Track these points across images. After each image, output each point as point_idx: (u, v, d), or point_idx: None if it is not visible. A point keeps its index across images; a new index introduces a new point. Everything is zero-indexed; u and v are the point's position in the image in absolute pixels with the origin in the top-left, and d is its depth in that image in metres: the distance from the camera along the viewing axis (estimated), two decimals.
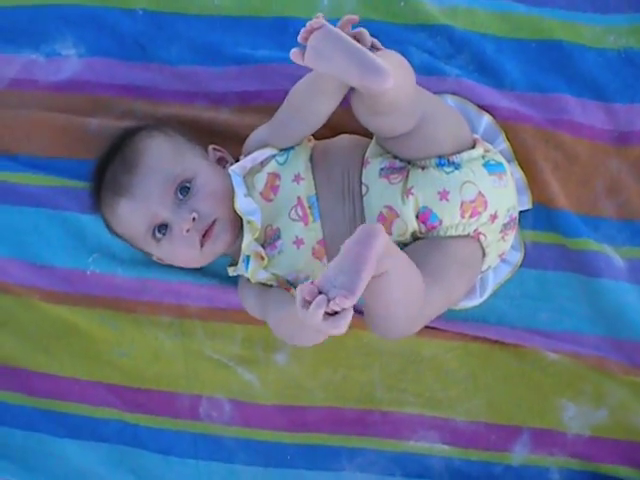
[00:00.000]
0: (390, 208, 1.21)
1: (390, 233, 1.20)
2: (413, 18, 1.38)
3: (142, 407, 1.38)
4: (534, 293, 1.33)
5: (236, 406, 1.37)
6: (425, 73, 1.35)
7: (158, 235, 1.23)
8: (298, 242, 1.23)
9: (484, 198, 1.21)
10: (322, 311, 0.90)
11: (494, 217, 1.23)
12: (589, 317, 1.33)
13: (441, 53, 1.37)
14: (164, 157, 1.24)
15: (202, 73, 1.40)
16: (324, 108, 1.22)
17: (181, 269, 1.34)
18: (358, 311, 1.33)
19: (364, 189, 1.22)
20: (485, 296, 1.32)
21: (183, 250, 1.23)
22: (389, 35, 1.34)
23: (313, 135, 1.30)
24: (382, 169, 1.22)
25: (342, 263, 0.94)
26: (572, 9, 1.38)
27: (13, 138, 1.42)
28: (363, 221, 1.22)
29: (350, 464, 1.35)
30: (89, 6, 1.44)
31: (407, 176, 1.22)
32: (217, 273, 1.35)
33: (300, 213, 1.23)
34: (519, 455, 1.33)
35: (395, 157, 1.24)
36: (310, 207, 1.23)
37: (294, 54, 1.07)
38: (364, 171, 1.23)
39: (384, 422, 1.34)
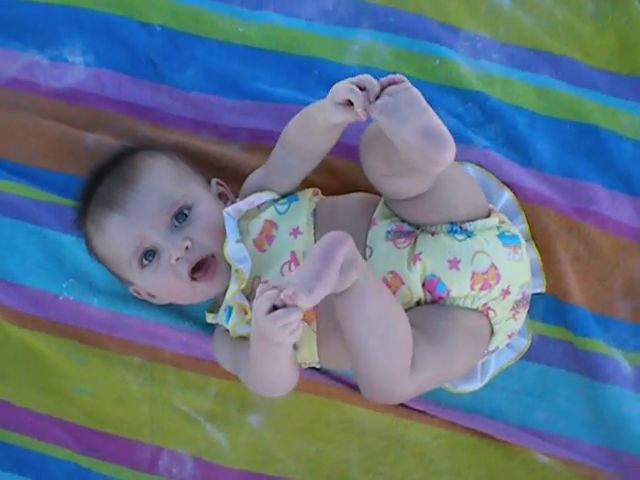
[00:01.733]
0: (395, 274, 1.12)
1: None
2: (446, 79, 1.31)
3: (98, 452, 1.28)
4: (534, 389, 1.25)
5: (199, 465, 1.27)
6: None
7: (144, 261, 1.14)
8: None
9: (497, 270, 1.13)
10: (269, 303, 0.93)
11: (506, 292, 1.15)
12: (588, 423, 1.25)
13: (471, 120, 1.30)
14: (165, 178, 1.16)
15: (214, 103, 1.32)
16: (320, 148, 1.15)
17: (160, 309, 1.25)
18: (343, 382, 1.26)
19: (368, 252, 1.14)
20: (485, 381, 1.24)
21: (170, 281, 1.13)
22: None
23: (321, 189, 1.23)
24: (389, 232, 1.14)
25: (304, 267, 0.96)
26: (614, 95, 1.32)
27: (1, 141, 1.32)
28: None
29: None
30: (105, 13, 1.36)
31: (415, 241, 1.14)
32: (198, 319, 1.26)
33: (293, 269, 1.13)
34: None
35: (404, 220, 1.16)
36: None
37: (357, 99, 0.99)
38: (369, 232, 1.15)
39: None
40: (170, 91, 1.33)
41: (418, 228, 1.16)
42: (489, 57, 1.34)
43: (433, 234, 1.14)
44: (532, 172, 1.28)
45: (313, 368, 1.23)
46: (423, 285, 1.12)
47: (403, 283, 1.12)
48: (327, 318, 1.13)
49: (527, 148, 1.29)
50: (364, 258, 1.13)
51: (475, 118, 1.31)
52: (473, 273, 1.12)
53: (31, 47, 1.35)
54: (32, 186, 1.30)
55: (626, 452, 1.23)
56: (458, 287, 1.12)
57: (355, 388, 1.24)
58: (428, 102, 1.28)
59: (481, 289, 1.13)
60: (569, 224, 1.25)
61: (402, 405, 1.24)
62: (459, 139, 1.25)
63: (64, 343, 1.28)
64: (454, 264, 1.12)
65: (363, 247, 1.15)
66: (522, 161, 1.28)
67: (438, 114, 1.26)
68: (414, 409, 1.24)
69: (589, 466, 1.23)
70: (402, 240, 1.13)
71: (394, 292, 1.12)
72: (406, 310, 1.12)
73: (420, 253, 1.12)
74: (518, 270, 1.17)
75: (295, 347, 1.15)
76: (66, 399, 1.28)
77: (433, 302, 1.14)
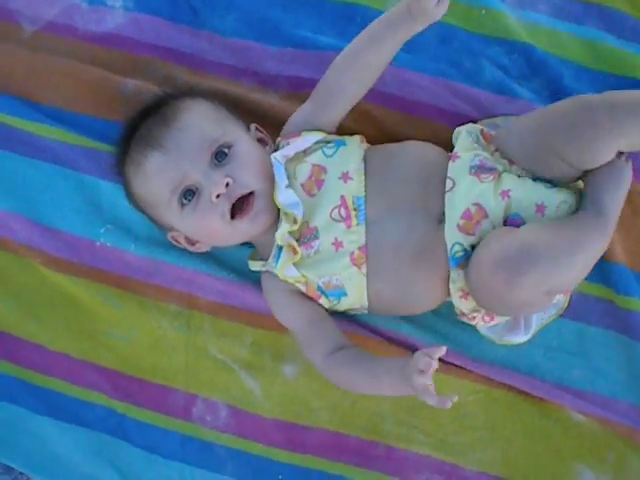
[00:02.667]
0: (479, 206, 1.10)
1: (473, 234, 1.10)
2: (492, 29, 1.28)
3: (132, 397, 1.27)
4: (571, 347, 1.24)
5: (233, 413, 1.26)
6: (495, 91, 1.26)
7: (184, 201, 1.13)
8: (337, 244, 1.13)
9: None
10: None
11: None
12: (625, 382, 1.24)
13: (516, 72, 1.28)
14: (205, 118, 1.15)
15: (255, 50, 1.30)
16: (382, 61, 1.14)
17: (198, 256, 1.24)
18: (382, 335, 1.25)
19: (449, 183, 1.11)
20: (530, 334, 1.22)
21: (211, 220, 1.12)
22: (464, 43, 1.25)
23: (368, 140, 1.21)
24: (472, 167, 1.11)
25: None
26: None
27: (38, 85, 1.31)
28: (430, 223, 1.12)
29: None
30: None
31: (499, 178, 1.11)
32: (236, 268, 1.25)
33: (343, 214, 1.13)
34: None
35: (486, 157, 1.13)
36: (356, 209, 1.13)
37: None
38: (451, 164, 1.12)
39: (388, 458, 1.24)
40: (210, 37, 1.31)
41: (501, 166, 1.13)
42: (536, 8, 1.32)
43: (519, 176, 1.12)
44: None
45: (352, 319, 1.24)
46: (505, 222, 1.11)
47: (487, 216, 1.10)
48: (377, 261, 1.13)
49: None
50: (443, 190, 1.12)
51: (521, 70, 1.28)
52: None
53: None
54: (70, 131, 1.29)
55: None
56: None
57: (392, 341, 1.24)
58: (474, 52, 1.27)
59: None
60: None
61: (439, 360, 1.23)
62: (504, 91, 1.27)
63: (100, 288, 1.27)
64: (540, 209, 1.10)
65: (438, 191, 1.12)
66: None
67: (482, 65, 1.27)
68: (451, 364, 1.23)
69: (625, 425, 1.22)
70: (486, 175, 1.11)
71: (475, 224, 1.10)
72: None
73: (509, 190, 1.10)
74: None
75: (345, 292, 1.15)
76: (101, 344, 1.28)
77: None
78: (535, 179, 1.12)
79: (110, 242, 1.27)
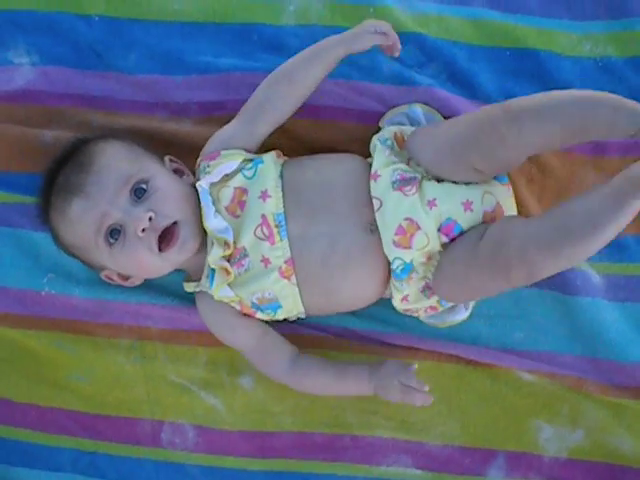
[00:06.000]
0: (410, 220, 1.15)
1: (409, 247, 1.15)
2: None
3: (101, 434, 1.31)
4: (510, 312, 1.29)
5: (200, 432, 1.31)
6: (396, 83, 1.31)
7: (111, 240, 1.16)
8: (265, 261, 1.17)
9: (501, 208, 1.18)
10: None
11: None
12: (566, 336, 1.29)
13: (412, 62, 1.33)
14: (119, 158, 1.19)
15: (162, 82, 1.34)
16: (315, 81, 1.22)
17: (139, 289, 1.28)
18: (327, 331, 1.30)
19: (376, 203, 1.16)
20: (469, 310, 1.28)
21: (140, 254, 1.16)
22: None
23: (283, 151, 1.26)
24: (394, 182, 1.16)
25: None
26: (548, 16, 1.34)
27: None
28: (355, 235, 1.17)
29: None
30: (43, 11, 1.37)
31: (420, 187, 1.16)
32: (178, 292, 1.29)
33: (266, 232, 1.17)
34: (494, 479, 1.28)
35: (404, 169, 1.17)
36: (277, 226, 1.17)
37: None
38: (373, 184, 1.17)
39: (355, 447, 1.29)
40: (117, 77, 1.35)
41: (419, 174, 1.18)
42: None
43: (439, 181, 1.17)
44: (477, 103, 1.29)
45: (296, 321, 1.28)
46: (439, 230, 1.16)
47: (420, 228, 1.15)
48: (306, 272, 1.18)
49: (470, 81, 1.32)
50: (370, 211, 1.16)
51: (416, 59, 1.33)
52: (484, 212, 1.16)
53: None
54: None
55: (607, 358, 1.27)
56: (472, 227, 1.16)
57: (338, 335, 1.29)
58: (368, 50, 1.32)
59: None
60: None
61: (386, 344, 1.28)
62: (403, 81, 1.31)
63: (53, 336, 1.31)
64: (468, 206, 1.16)
65: (361, 202, 1.17)
66: (467, 94, 1.31)
67: (379, 60, 1.32)
68: (398, 345, 1.28)
69: (573, 376, 1.27)
70: (408, 188, 1.16)
71: (411, 238, 1.15)
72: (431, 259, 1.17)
73: (435, 199, 1.15)
74: (513, 205, 1.22)
75: (280, 304, 1.20)
76: (64, 389, 1.31)
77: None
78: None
79: (54, 290, 1.30)
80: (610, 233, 1.01)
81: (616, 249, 1.29)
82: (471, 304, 1.27)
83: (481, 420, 1.29)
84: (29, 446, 1.32)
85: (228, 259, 1.19)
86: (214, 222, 1.17)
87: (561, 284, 1.28)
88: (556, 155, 1.29)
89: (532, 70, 1.32)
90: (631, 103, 1.02)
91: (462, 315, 1.27)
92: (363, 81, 1.31)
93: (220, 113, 1.31)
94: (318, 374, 1.23)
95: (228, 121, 1.26)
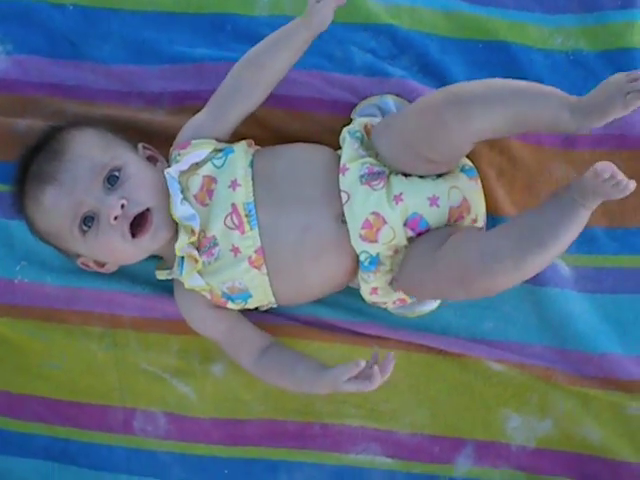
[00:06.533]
0: (377, 215, 1.16)
1: (376, 241, 1.17)
2: (355, 17, 1.34)
3: (73, 420, 1.33)
4: (479, 302, 1.30)
5: (172, 419, 1.32)
6: (368, 74, 1.32)
7: (84, 227, 1.17)
8: (235, 250, 1.18)
9: (467, 203, 1.19)
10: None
11: (474, 221, 1.21)
12: (535, 326, 1.30)
13: (384, 53, 1.33)
14: (92, 146, 1.20)
15: (136, 72, 1.35)
16: (284, 67, 1.21)
17: (112, 277, 1.29)
18: (298, 320, 1.31)
19: (344, 197, 1.17)
20: (438, 300, 1.29)
21: (113, 241, 1.17)
22: (330, 34, 1.28)
23: (256, 142, 1.26)
24: (362, 176, 1.17)
25: None
26: (520, 9, 1.35)
27: None
28: (333, 228, 1.17)
29: (289, 478, 1.31)
30: (17, 0, 1.37)
31: (387, 182, 1.18)
32: (151, 281, 1.30)
33: (236, 221, 1.18)
34: (463, 467, 1.30)
35: (372, 162, 1.19)
36: (247, 215, 1.18)
37: None
38: (342, 178, 1.18)
39: (324, 435, 1.30)
40: (92, 67, 1.36)
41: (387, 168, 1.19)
42: None
43: (406, 176, 1.19)
44: None
45: (268, 311, 1.29)
46: (405, 224, 1.17)
47: (386, 222, 1.16)
48: (276, 262, 1.19)
49: (442, 73, 1.32)
50: (340, 203, 1.17)
51: (388, 50, 1.33)
52: (450, 208, 1.18)
53: None
54: None
55: (575, 349, 1.28)
56: (438, 222, 1.18)
57: (309, 324, 1.30)
58: (341, 41, 1.33)
59: (456, 221, 1.19)
60: (489, 141, 1.28)
61: (356, 333, 1.29)
62: (376, 72, 1.32)
63: (26, 324, 1.32)
64: (434, 201, 1.17)
65: (331, 193, 1.18)
66: (439, 86, 1.30)
67: (352, 51, 1.33)
68: (369, 335, 1.29)
69: (541, 367, 1.28)
70: (376, 182, 1.17)
71: (377, 232, 1.16)
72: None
73: (401, 194, 1.17)
74: (481, 200, 1.23)
75: (250, 294, 1.21)
76: (36, 376, 1.33)
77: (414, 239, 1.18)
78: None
79: (27, 278, 1.31)
80: (564, 243, 1.05)
81: (585, 241, 1.29)
82: None
83: (450, 409, 1.30)
84: (2, 432, 1.33)
85: (198, 248, 1.20)
86: (181, 209, 1.18)
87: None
88: (526, 147, 1.30)
89: (504, 63, 1.32)
90: (574, 99, 1.05)
91: (431, 305, 1.29)
92: (336, 72, 1.32)
93: (194, 102, 1.31)
94: (277, 374, 1.24)
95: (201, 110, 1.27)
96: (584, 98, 1.05)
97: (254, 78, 1.21)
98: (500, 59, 1.33)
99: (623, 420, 1.28)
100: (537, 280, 1.28)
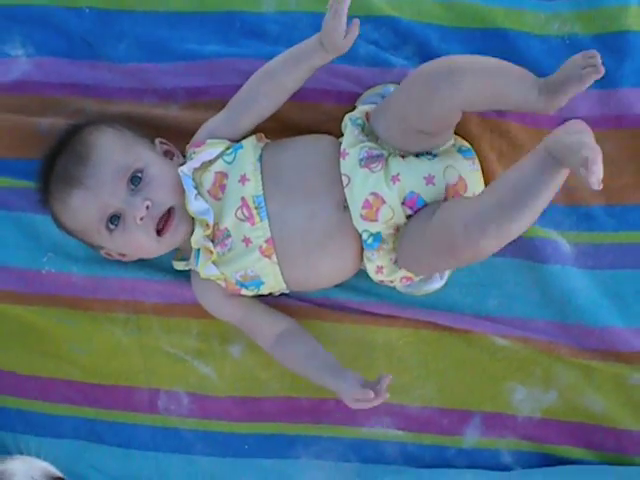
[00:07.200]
0: (376, 195, 1.22)
1: (376, 219, 1.22)
2: (359, 10, 1.35)
3: (100, 402, 1.40)
4: (484, 280, 1.35)
5: (194, 399, 1.39)
6: (371, 64, 1.36)
7: (111, 226, 1.25)
8: (246, 241, 1.25)
9: (464, 182, 1.24)
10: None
11: None
12: (538, 302, 1.35)
13: (387, 44, 1.38)
14: (115, 149, 1.26)
15: (150, 70, 1.41)
16: (296, 84, 1.27)
17: (134, 265, 1.36)
18: (311, 302, 1.37)
19: (345, 180, 1.23)
20: (445, 279, 1.34)
21: (139, 239, 1.24)
22: None
23: (266, 134, 1.32)
24: (361, 159, 1.23)
25: None
26: None
27: None
28: (335, 213, 1.23)
29: (306, 452, 1.37)
30: (36, 5, 1.43)
31: (386, 164, 1.24)
32: (170, 269, 1.36)
33: (246, 214, 1.25)
34: (471, 438, 1.36)
35: (371, 146, 1.24)
36: (257, 208, 1.24)
37: None
38: (342, 162, 1.24)
39: (338, 410, 1.36)
40: (108, 66, 1.42)
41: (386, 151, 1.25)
42: None
43: (403, 157, 1.24)
44: None
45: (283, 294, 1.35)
46: (403, 203, 1.23)
47: (384, 202, 1.22)
48: (286, 250, 1.25)
49: None
50: (342, 186, 1.23)
51: (390, 41, 1.38)
52: (446, 185, 1.23)
53: None
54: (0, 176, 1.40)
55: (577, 323, 1.33)
56: (435, 200, 1.23)
57: (320, 305, 1.36)
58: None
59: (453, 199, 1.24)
60: (490, 124, 1.33)
61: (366, 312, 1.35)
62: (378, 63, 1.36)
63: (54, 311, 1.39)
64: (430, 180, 1.23)
65: (334, 180, 1.24)
66: None
67: (355, 43, 1.35)
68: (379, 314, 1.35)
69: (545, 341, 1.33)
70: (375, 165, 1.23)
71: (377, 211, 1.22)
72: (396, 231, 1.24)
73: (398, 174, 1.22)
74: (478, 179, 1.27)
75: (262, 281, 1.27)
76: (65, 360, 1.40)
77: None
78: (417, 155, 1.25)
79: (54, 268, 1.39)
80: (542, 203, 1.10)
81: (585, 219, 1.35)
82: (446, 273, 1.34)
83: (458, 383, 1.35)
84: (33, 415, 1.41)
85: (212, 239, 1.26)
86: (195, 204, 1.24)
87: (532, 253, 1.33)
88: (525, 130, 1.34)
89: (502, 50, 1.34)
90: (541, 80, 1.15)
91: (438, 284, 1.34)
92: (341, 64, 1.36)
93: (205, 98, 1.38)
94: (293, 366, 1.30)
95: (213, 105, 1.34)
96: (548, 78, 1.15)
97: (271, 93, 1.28)
98: (499, 46, 1.36)
99: (625, 390, 1.33)
100: (539, 257, 1.33)
